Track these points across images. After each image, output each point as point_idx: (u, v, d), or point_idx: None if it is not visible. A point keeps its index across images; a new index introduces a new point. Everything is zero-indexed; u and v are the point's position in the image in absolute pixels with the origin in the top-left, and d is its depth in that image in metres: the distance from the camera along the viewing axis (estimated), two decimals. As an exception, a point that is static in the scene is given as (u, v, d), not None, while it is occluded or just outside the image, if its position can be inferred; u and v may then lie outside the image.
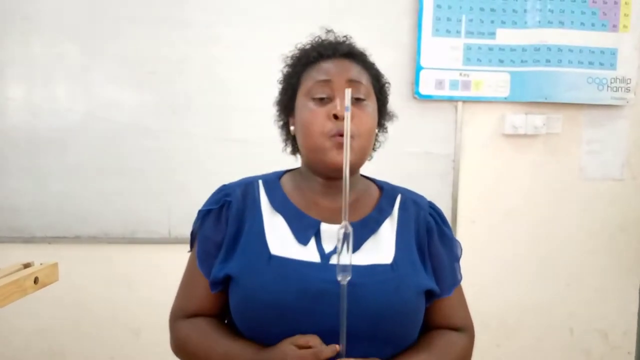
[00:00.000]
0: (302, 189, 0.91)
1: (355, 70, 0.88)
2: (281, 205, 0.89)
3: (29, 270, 0.80)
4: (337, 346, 0.74)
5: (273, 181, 0.93)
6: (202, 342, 0.86)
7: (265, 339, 0.80)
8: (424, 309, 0.87)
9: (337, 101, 0.84)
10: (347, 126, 0.73)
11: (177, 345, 0.90)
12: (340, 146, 0.81)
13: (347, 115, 0.73)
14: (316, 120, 0.84)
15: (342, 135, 0.81)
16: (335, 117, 0.83)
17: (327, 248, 0.84)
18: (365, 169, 0.98)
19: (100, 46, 1.83)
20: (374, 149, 0.98)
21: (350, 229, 0.73)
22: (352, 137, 0.83)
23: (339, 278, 0.73)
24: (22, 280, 0.76)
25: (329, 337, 0.76)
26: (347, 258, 0.73)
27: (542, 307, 2.14)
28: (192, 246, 0.94)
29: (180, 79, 1.86)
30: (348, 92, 0.73)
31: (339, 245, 0.73)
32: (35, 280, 0.79)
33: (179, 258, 1.00)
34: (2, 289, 0.70)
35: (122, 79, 1.85)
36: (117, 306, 1.93)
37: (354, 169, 0.89)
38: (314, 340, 0.76)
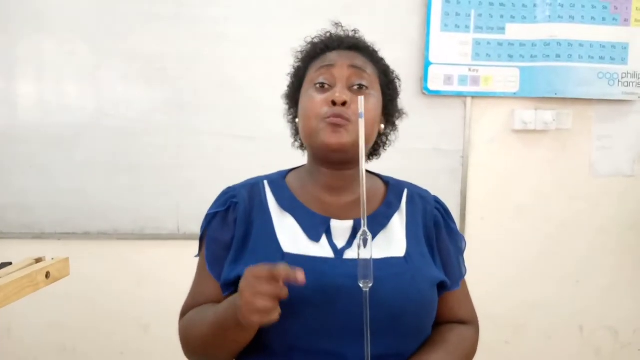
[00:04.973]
0: (308, 187, 0.91)
1: (360, 59, 0.88)
2: (289, 204, 0.89)
3: (40, 265, 0.81)
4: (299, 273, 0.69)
5: (278, 181, 0.93)
6: (197, 316, 0.85)
7: (282, 337, 0.79)
8: (437, 302, 0.87)
9: (338, 87, 0.84)
10: (362, 136, 0.70)
11: (182, 335, 0.88)
12: (335, 127, 0.82)
13: (362, 122, 0.71)
14: (314, 105, 0.84)
15: (337, 116, 0.81)
16: (334, 103, 0.82)
17: (339, 244, 0.84)
18: (373, 166, 0.97)
19: (110, 44, 1.84)
20: (384, 148, 0.98)
21: (369, 235, 0.72)
22: (350, 121, 0.82)
23: (361, 284, 0.72)
24: (34, 275, 0.77)
25: (348, 332, 0.76)
26: (368, 263, 0.71)
27: (551, 304, 2.12)
28: (200, 250, 0.93)
29: (188, 76, 1.87)
30: (361, 100, 0.72)
31: (359, 251, 0.72)
32: (47, 275, 0.80)
33: (188, 254, 1.00)
34: (14, 284, 0.71)
35: (131, 76, 1.86)
36: (126, 301, 1.94)
37: (354, 152, 0.85)
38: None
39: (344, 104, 0.82)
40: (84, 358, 1.95)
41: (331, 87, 0.86)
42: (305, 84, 0.90)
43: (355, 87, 0.86)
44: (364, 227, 0.72)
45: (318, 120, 0.84)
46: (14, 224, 1.87)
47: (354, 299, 0.76)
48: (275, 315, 0.69)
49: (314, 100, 0.85)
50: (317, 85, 0.86)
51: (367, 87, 0.87)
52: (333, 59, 0.87)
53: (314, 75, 0.88)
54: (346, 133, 0.82)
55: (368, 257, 0.71)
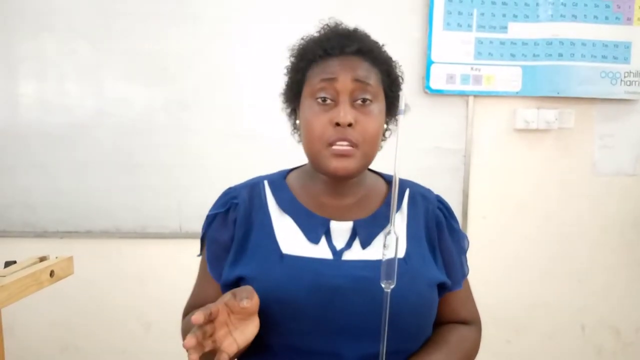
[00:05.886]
0: (309, 189, 0.90)
1: (362, 70, 0.83)
2: (289, 205, 0.88)
3: (45, 264, 0.81)
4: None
5: (279, 181, 0.92)
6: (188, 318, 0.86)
7: (281, 337, 0.79)
8: (437, 302, 0.87)
9: (341, 106, 0.81)
10: (399, 134, 0.71)
11: (182, 335, 0.89)
12: (339, 155, 0.80)
13: (401, 118, 0.70)
14: (318, 125, 0.82)
15: (343, 140, 0.80)
16: (337, 124, 0.80)
17: (338, 245, 0.84)
18: (375, 164, 0.97)
19: (111, 43, 1.84)
20: (384, 139, 0.95)
21: (395, 235, 0.71)
22: (355, 145, 0.81)
23: (383, 285, 0.72)
24: (38, 274, 0.77)
25: (346, 332, 0.77)
26: (392, 263, 0.71)
27: (553, 303, 2.12)
28: (202, 251, 0.94)
29: (190, 75, 1.87)
30: (402, 95, 0.71)
31: (384, 251, 0.72)
32: (51, 274, 0.80)
33: (189, 252, 1.00)
34: (19, 282, 0.71)
35: (133, 75, 1.86)
36: (128, 300, 1.94)
37: (359, 174, 0.86)
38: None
39: (349, 124, 0.80)
40: (85, 356, 1.96)
41: (333, 101, 0.82)
42: (306, 91, 0.86)
43: (359, 102, 0.83)
44: (390, 227, 0.72)
45: (322, 145, 0.81)
46: (16, 223, 1.87)
47: (351, 299, 0.77)
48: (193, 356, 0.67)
49: (317, 119, 0.82)
50: (319, 100, 0.83)
51: (370, 101, 0.84)
52: (335, 72, 0.83)
53: (316, 86, 0.83)
54: (352, 159, 0.81)
55: (392, 257, 0.72)
